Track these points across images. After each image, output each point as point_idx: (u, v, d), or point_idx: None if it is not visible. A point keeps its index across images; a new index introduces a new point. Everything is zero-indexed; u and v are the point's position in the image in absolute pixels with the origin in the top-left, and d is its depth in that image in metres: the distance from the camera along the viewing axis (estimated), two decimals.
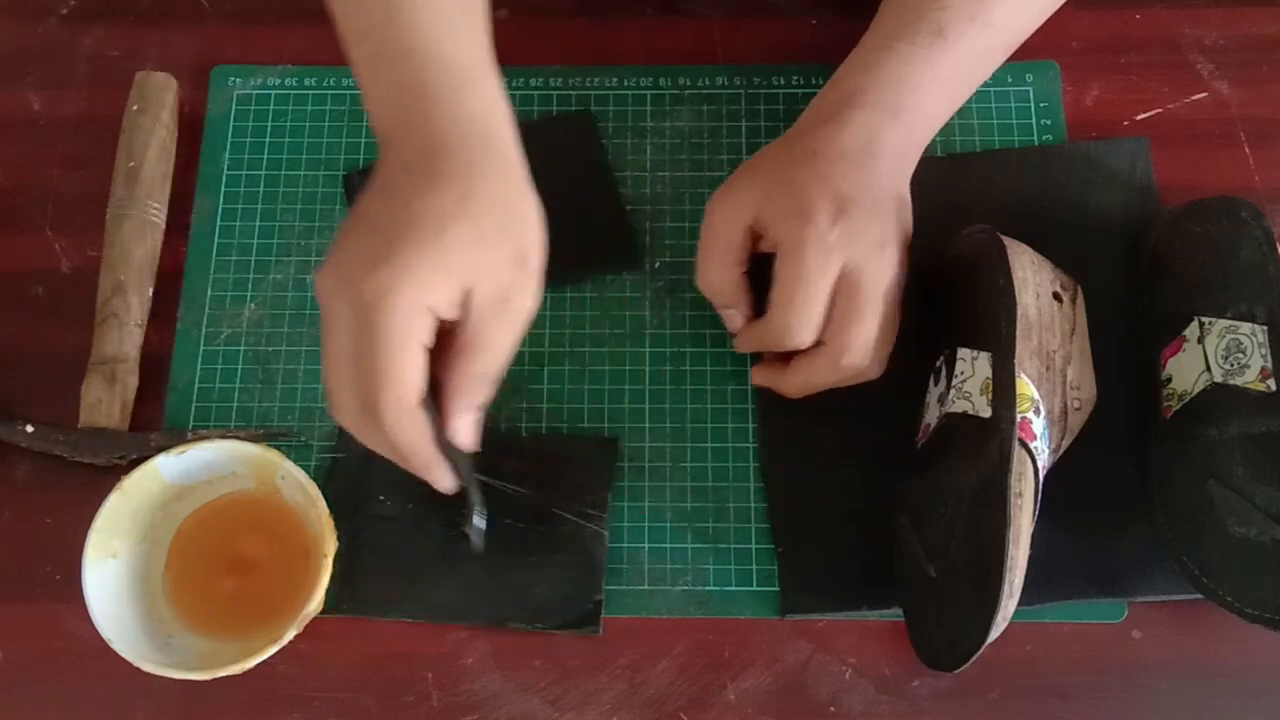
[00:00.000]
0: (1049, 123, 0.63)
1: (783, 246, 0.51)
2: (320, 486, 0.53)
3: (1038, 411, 0.52)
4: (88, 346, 0.58)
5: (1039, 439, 0.52)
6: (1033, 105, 0.63)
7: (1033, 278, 0.55)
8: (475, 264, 0.44)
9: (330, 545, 0.52)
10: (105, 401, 0.57)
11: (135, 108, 0.62)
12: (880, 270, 0.51)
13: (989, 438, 0.51)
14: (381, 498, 0.56)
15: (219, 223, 0.63)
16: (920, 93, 0.53)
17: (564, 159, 0.62)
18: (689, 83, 0.65)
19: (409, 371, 0.44)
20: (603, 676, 0.54)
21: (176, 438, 0.57)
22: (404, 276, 0.42)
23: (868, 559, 0.55)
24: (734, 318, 0.56)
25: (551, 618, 0.55)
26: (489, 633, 0.55)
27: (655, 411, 0.58)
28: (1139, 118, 0.63)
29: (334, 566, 0.53)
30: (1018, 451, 0.50)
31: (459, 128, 0.46)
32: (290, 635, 0.51)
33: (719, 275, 0.54)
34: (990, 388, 0.52)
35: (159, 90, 0.63)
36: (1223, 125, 0.63)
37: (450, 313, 0.45)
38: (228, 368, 0.60)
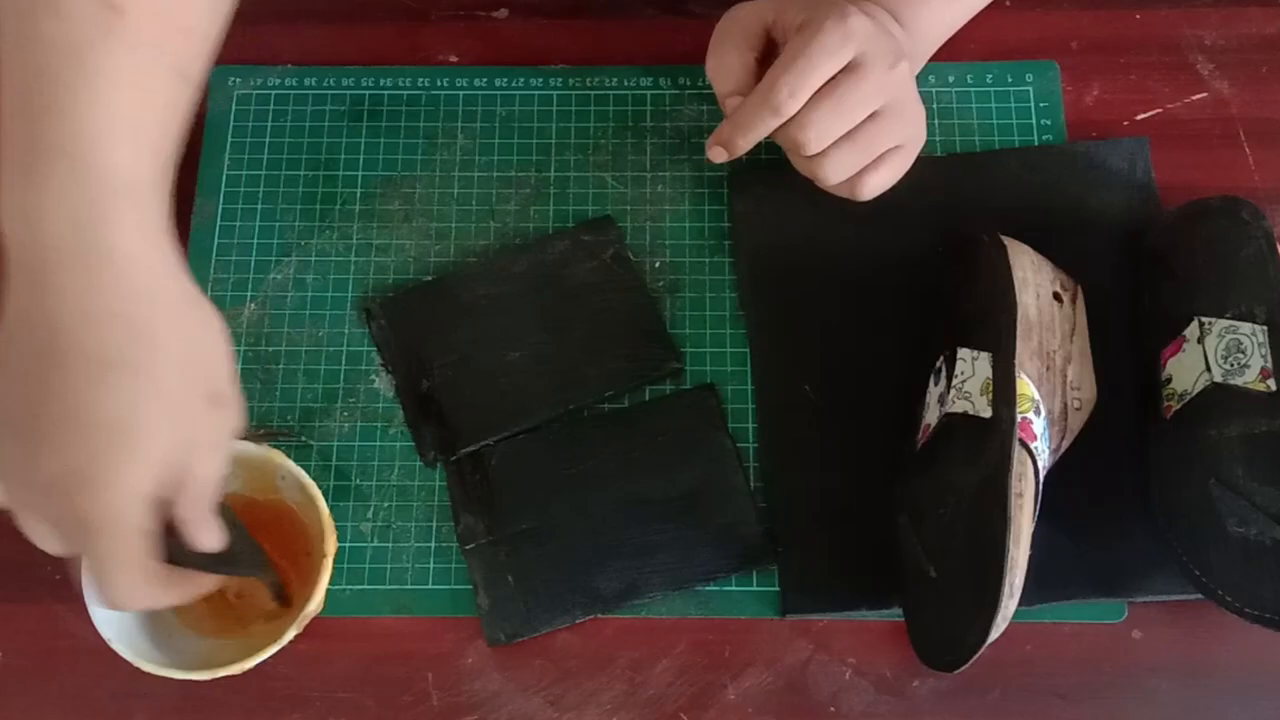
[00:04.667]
0: (1049, 123, 0.63)
1: (802, 27, 0.52)
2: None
3: (1038, 411, 0.52)
4: None
5: (1039, 439, 0.52)
6: (1033, 105, 0.63)
7: (1033, 278, 0.55)
8: (175, 438, 0.41)
9: (330, 545, 0.52)
10: None
11: None
12: (885, 79, 0.52)
13: (989, 438, 0.51)
14: (519, 512, 0.57)
15: (219, 223, 0.62)
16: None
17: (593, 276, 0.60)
18: (689, 83, 0.65)
19: (142, 567, 0.41)
20: (603, 676, 0.54)
21: None
22: (120, 493, 0.39)
23: (868, 559, 0.55)
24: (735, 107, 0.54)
25: (727, 566, 0.55)
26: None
27: None
28: (1139, 118, 0.63)
29: (488, 588, 0.55)
30: (1018, 451, 0.50)
31: (121, 284, 0.40)
32: (290, 635, 0.51)
33: (733, 55, 0.54)
34: (990, 388, 0.52)
35: None
36: (1223, 125, 0.63)
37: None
38: None
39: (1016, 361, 0.52)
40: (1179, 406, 0.53)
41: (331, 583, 0.53)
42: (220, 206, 0.63)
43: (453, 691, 0.54)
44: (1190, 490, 0.51)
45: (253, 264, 0.62)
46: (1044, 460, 0.52)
